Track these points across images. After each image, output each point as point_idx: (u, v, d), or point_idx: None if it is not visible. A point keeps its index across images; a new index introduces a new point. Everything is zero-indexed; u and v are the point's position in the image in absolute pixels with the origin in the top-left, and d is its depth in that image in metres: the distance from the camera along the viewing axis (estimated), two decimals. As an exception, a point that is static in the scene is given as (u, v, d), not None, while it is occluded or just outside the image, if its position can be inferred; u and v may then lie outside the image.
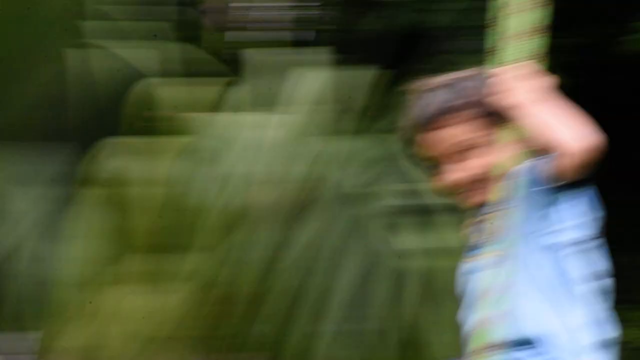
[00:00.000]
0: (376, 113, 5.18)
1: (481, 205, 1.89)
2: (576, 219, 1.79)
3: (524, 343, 1.78)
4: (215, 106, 5.32)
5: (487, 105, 1.83)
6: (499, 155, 1.86)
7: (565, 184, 1.74)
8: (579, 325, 1.76)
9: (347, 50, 5.86)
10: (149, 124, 5.34)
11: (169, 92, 5.48)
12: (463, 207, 1.97)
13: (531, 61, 1.81)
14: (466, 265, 1.95)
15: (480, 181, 1.87)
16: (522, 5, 1.88)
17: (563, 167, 1.70)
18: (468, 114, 1.87)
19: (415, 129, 1.92)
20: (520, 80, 1.76)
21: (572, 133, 1.68)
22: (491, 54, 1.88)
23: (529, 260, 1.78)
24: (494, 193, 1.84)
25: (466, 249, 1.97)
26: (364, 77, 5.39)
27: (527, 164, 1.82)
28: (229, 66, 5.67)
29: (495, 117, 1.83)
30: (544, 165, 1.75)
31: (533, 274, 1.78)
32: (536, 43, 1.83)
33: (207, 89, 5.43)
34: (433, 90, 1.92)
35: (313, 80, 5.34)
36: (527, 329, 1.77)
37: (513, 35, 1.85)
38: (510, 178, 1.82)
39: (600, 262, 1.83)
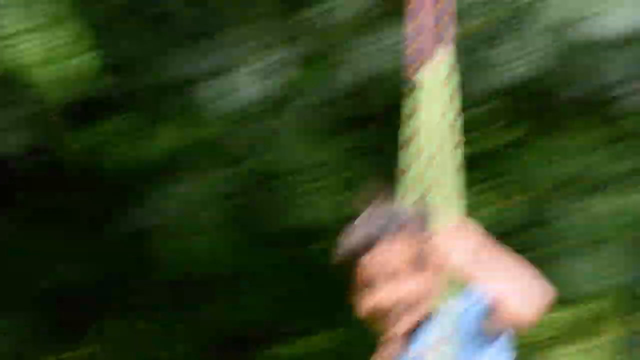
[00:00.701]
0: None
1: (408, 335, 1.82)
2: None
3: None
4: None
5: (417, 234, 1.82)
6: (431, 286, 1.80)
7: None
8: None
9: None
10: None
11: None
12: (388, 336, 1.86)
13: (463, 219, 1.80)
14: None
15: (410, 307, 1.80)
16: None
17: (507, 324, 1.66)
18: (400, 241, 1.81)
19: (352, 254, 1.86)
20: (455, 242, 1.71)
21: (522, 300, 1.62)
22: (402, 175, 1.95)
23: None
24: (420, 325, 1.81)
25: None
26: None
27: (462, 304, 1.75)
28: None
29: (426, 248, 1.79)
30: (481, 313, 1.69)
31: None
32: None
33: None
34: (368, 219, 1.89)
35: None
36: None
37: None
38: (444, 315, 1.76)
39: None
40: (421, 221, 1.85)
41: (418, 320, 1.80)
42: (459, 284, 1.76)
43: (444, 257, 1.72)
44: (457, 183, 1.91)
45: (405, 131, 2.05)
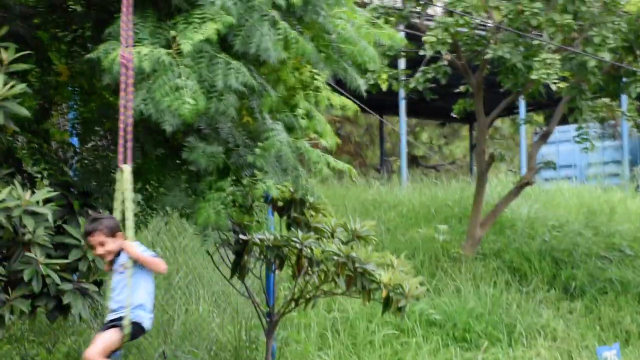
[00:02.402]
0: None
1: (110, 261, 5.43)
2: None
3: (137, 307, 5.31)
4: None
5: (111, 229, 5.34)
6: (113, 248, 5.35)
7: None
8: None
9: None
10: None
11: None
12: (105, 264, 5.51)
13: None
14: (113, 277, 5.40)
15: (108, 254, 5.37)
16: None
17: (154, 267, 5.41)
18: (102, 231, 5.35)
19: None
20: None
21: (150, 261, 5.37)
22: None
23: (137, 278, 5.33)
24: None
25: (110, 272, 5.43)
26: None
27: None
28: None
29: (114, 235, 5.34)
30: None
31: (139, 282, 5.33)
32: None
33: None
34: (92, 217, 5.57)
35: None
36: (139, 300, 5.30)
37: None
38: (124, 255, 5.34)
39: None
40: (114, 220, 5.34)
41: (113, 257, 5.36)
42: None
43: (129, 249, 5.29)
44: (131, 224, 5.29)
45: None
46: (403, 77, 14.49)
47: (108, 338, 5.27)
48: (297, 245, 7.49)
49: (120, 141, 5.18)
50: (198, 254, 9.94)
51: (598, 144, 16.79)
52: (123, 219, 5.28)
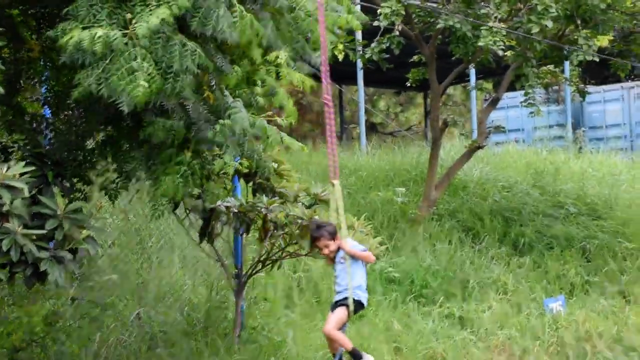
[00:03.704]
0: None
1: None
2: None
3: (356, 288, 6.46)
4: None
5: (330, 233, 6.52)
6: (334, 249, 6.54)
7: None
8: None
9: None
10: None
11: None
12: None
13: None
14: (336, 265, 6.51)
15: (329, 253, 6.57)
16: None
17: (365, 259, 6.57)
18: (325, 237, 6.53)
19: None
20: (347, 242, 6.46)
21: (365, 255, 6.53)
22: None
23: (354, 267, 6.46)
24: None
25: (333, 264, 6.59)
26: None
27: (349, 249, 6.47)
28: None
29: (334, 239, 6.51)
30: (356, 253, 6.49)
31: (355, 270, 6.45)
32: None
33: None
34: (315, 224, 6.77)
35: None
36: (357, 283, 6.43)
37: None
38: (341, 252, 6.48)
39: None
40: (333, 226, 6.50)
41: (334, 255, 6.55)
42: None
43: (346, 248, 6.41)
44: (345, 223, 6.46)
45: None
46: (360, 48, 14.45)
47: (338, 315, 6.43)
48: (263, 210, 7.49)
49: (330, 160, 6.57)
50: (169, 220, 9.88)
51: (543, 108, 16.92)
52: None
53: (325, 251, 6.53)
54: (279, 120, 6.97)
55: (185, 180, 5.86)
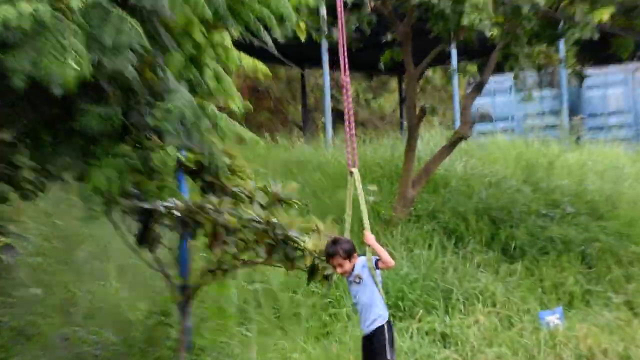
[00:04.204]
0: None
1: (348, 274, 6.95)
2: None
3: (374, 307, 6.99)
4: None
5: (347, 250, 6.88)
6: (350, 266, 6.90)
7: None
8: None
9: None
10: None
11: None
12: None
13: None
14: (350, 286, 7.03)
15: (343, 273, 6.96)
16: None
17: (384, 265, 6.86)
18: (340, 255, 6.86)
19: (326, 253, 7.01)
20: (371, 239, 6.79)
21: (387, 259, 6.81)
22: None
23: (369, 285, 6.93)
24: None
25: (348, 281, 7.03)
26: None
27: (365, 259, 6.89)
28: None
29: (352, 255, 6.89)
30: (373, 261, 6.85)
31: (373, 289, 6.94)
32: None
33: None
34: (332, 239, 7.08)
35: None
36: (376, 303, 6.99)
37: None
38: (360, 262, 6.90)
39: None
40: (350, 243, 6.94)
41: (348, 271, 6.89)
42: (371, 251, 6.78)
43: (369, 241, 6.75)
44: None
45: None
46: (325, 27, 14.35)
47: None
48: (212, 212, 7.37)
49: (348, 147, 6.92)
50: (103, 224, 9.71)
51: (536, 93, 16.97)
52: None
53: (339, 270, 6.89)
54: (232, 106, 6.88)
55: (121, 175, 5.79)
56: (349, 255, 6.83)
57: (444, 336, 10.34)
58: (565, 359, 9.83)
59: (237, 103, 6.85)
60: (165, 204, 7.42)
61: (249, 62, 6.73)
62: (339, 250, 6.81)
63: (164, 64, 5.99)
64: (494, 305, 11.17)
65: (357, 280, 6.84)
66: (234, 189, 7.86)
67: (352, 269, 6.83)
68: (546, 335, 10.27)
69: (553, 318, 10.66)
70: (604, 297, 11.95)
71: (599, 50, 16.64)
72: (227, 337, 9.09)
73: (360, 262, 6.85)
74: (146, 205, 7.30)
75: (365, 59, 19.65)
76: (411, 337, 9.98)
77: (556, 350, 10.00)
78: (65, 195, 9.66)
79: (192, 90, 6.21)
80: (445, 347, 10.00)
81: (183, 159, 7.38)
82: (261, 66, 6.77)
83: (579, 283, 12.15)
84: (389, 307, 10.59)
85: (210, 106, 6.51)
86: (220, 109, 6.67)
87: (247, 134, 6.92)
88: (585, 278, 12.37)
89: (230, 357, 8.65)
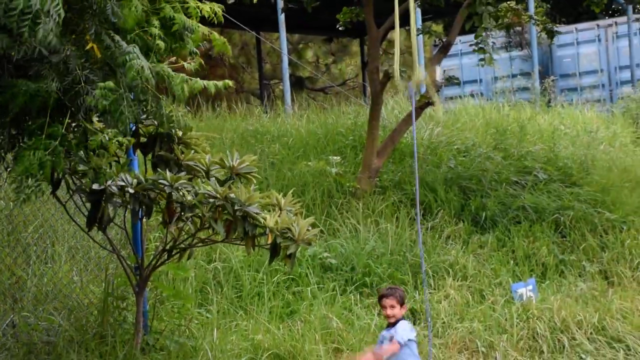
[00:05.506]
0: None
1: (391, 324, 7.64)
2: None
3: None
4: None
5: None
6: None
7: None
8: None
9: None
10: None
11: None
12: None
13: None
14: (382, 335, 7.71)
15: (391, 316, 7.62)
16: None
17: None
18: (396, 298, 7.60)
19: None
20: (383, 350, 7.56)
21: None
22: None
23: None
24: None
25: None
26: None
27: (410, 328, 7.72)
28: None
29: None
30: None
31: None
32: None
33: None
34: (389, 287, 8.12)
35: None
36: None
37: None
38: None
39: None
40: (404, 293, 7.98)
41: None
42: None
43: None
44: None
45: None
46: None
47: None
48: (166, 188, 7.38)
49: None
50: (49, 204, 9.70)
51: (504, 54, 17.06)
52: None
53: (389, 311, 7.58)
54: (185, 66, 6.82)
55: (57, 157, 5.63)
56: (402, 302, 7.62)
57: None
58: (539, 331, 9.98)
59: (222, 46, 6.72)
60: (117, 182, 7.37)
61: (208, 9, 6.62)
62: (396, 294, 7.63)
63: (118, 23, 5.78)
64: (464, 278, 11.32)
65: (383, 340, 7.61)
66: (189, 163, 7.86)
67: (395, 323, 7.57)
68: (519, 308, 10.43)
69: (526, 290, 10.82)
70: (578, 266, 12.16)
71: (571, 7, 16.75)
72: (186, 320, 9.13)
73: (404, 326, 7.59)
74: (94, 186, 7.25)
75: (325, 20, 19.65)
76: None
77: (530, 324, 10.15)
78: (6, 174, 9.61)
79: (144, 51, 6.00)
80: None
81: (112, 151, 7.25)
82: (219, 10, 6.65)
83: (552, 253, 12.32)
84: (354, 284, 10.76)
85: (162, 66, 6.35)
86: (176, 69, 6.58)
87: (209, 83, 6.79)
88: (559, 248, 12.57)
89: (190, 339, 8.69)
